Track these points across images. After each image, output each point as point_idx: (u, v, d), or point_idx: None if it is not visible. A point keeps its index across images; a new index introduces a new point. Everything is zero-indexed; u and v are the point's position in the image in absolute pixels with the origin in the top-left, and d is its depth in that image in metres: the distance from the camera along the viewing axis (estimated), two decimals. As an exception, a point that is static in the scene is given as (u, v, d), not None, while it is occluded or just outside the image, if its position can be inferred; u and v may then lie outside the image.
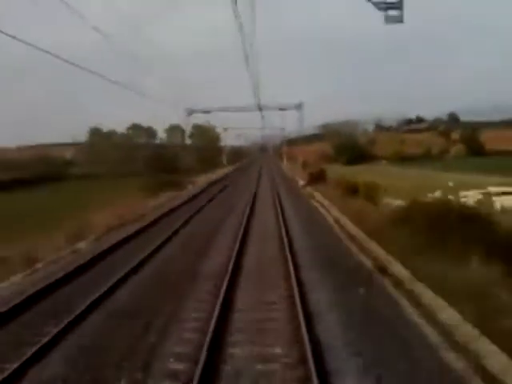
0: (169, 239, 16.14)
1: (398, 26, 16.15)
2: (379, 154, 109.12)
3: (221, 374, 6.38)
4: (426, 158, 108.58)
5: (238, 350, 7.09)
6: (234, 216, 21.29)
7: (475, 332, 6.97)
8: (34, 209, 34.12)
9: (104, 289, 10.00)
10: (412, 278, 10.07)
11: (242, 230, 16.66)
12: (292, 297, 9.17)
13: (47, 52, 15.09)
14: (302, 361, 6.54)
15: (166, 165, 68.75)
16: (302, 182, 38.39)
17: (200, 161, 74.66)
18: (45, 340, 7.44)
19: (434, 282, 9.16)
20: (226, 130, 67.73)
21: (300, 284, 10.04)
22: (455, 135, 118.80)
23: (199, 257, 13.33)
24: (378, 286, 10.19)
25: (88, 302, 9.15)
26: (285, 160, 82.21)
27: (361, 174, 42.29)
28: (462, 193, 35.55)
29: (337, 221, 18.90)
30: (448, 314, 7.87)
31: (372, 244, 13.71)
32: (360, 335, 7.46)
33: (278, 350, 7.07)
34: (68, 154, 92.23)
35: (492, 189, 37.28)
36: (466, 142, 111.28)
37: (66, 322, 8.16)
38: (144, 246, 14.71)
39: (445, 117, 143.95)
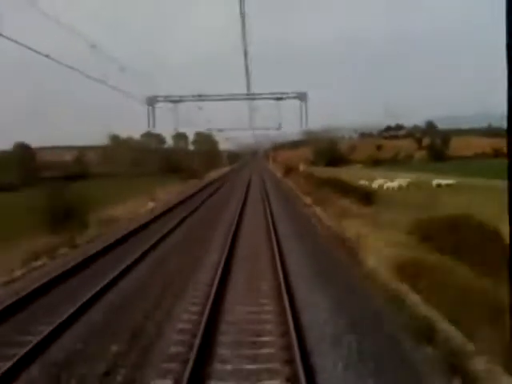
0: (215, 192, 39.80)
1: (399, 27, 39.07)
2: (358, 159, 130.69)
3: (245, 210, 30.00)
4: (395, 161, 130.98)
5: (248, 208, 30.77)
6: (241, 184, 45.81)
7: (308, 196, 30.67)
8: (101, 193, 56.82)
9: (198, 203, 33.08)
10: (308, 198, 33.47)
11: (245, 188, 40.59)
12: (264, 200, 32.61)
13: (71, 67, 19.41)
14: (264, 203, 30.04)
15: (175, 165, 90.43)
16: (279, 175, 62.19)
17: (203, 162, 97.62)
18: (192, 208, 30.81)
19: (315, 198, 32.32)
20: (227, 139, 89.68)
21: (268, 200, 33.32)
22: (427, 142, 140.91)
23: (231, 194, 37.11)
24: (296, 199, 33.77)
25: (198, 203, 32.45)
26: (271, 161, 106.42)
27: (327, 172, 65.74)
28: (376, 181, 59.57)
29: (289, 186, 42.63)
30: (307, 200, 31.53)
31: (299, 191, 37.31)
32: (283, 203, 30.98)
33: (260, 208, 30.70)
34: (67, 157, 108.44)
35: (400, 179, 61.42)
36: (430, 148, 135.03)
37: (194, 206, 30.95)
38: (204, 195, 38.13)
39: (423, 124, 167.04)
